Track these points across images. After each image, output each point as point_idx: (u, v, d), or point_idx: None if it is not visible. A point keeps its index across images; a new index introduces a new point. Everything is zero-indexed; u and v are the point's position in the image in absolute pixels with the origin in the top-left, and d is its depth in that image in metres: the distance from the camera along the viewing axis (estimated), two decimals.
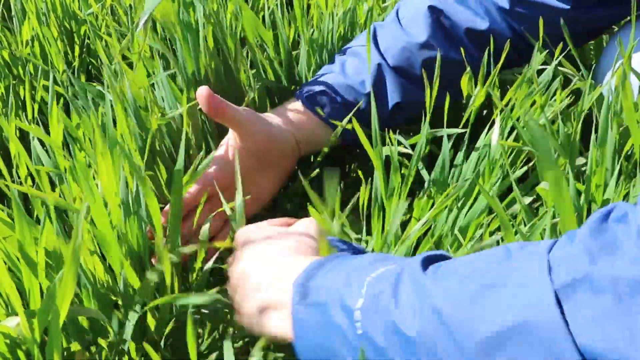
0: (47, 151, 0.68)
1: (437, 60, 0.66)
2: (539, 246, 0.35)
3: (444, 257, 0.39)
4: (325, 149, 0.73)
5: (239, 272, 0.47)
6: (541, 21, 0.70)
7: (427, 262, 0.37)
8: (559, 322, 0.32)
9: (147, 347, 0.51)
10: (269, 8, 0.83)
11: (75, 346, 0.56)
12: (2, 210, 0.57)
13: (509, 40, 0.70)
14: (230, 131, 0.68)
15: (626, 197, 0.58)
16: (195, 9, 0.75)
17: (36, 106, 0.73)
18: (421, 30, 0.71)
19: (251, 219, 0.63)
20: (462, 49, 0.71)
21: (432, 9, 0.72)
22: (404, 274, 0.36)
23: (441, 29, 0.72)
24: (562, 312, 0.32)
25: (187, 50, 0.73)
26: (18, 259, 0.52)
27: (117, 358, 0.55)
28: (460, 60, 0.71)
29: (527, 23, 0.72)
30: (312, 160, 0.75)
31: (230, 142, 0.68)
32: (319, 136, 0.72)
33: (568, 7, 0.71)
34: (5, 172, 0.61)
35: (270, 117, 0.71)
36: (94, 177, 0.61)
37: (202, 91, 0.65)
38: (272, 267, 0.44)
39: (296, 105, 0.72)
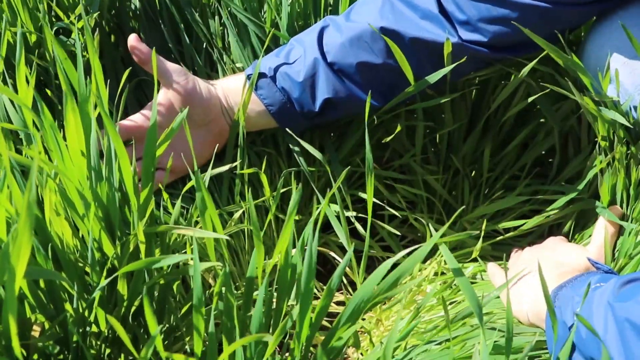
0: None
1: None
2: None
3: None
4: None
5: (529, 260, 0.69)
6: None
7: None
8: None
9: (112, 320, 0.46)
10: None
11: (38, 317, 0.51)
12: None
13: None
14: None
15: None
16: None
17: (1, 62, 0.68)
18: (365, 27, 0.69)
19: (186, 177, 0.70)
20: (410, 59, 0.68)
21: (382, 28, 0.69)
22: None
23: (385, 35, 0.69)
24: None
25: None
26: None
27: (83, 328, 0.50)
28: (399, 68, 0.69)
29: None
30: None
31: (160, 94, 0.70)
32: (251, 111, 0.72)
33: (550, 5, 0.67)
34: None
35: (205, 81, 0.73)
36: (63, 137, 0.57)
37: (131, 39, 0.68)
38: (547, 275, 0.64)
39: (239, 78, 0.73)
